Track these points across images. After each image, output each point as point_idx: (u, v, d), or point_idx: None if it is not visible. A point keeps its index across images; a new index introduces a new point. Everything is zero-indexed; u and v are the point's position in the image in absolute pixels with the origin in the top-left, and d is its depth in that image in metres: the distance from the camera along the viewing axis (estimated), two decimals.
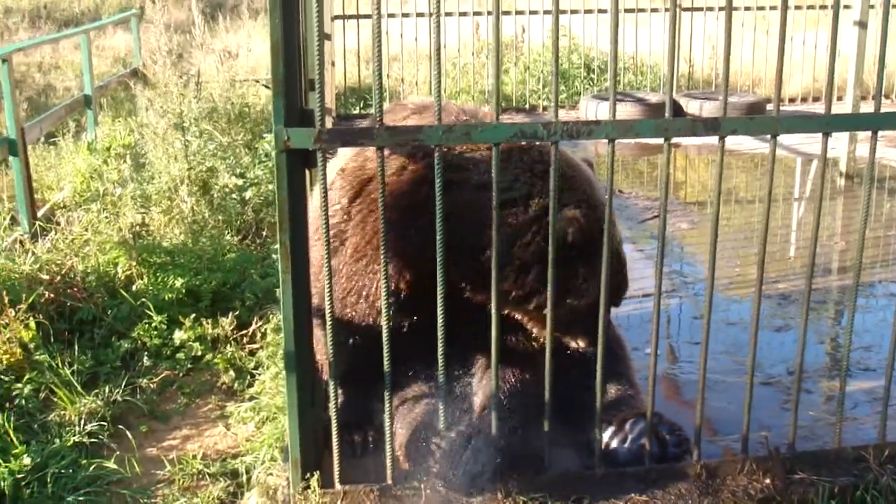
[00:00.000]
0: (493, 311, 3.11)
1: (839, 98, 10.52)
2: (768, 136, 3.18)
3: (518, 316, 3.50)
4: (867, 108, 3.30)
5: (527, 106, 11.89)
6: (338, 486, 3.24)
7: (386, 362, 3.11)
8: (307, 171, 3.09)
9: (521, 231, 3.29)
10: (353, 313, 3.55)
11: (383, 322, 3.09)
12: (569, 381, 3.46)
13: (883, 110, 3.22)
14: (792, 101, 12.00)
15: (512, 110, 11.58)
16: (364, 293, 3.49)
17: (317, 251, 3.21)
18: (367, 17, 11.01)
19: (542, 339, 3.42)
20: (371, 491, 3.23)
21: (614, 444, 3.43)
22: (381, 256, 3.04)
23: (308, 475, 3.22)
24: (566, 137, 2.96)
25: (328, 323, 3.05)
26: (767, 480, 3.32)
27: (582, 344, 3.51)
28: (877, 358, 4.54)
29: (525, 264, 3.29)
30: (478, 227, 3.16)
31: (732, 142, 9.80)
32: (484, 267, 3.16)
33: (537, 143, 3.27)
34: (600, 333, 3.21)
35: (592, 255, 3.23)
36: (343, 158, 3.59)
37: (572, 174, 3.43)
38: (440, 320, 3.05)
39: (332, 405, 3.18)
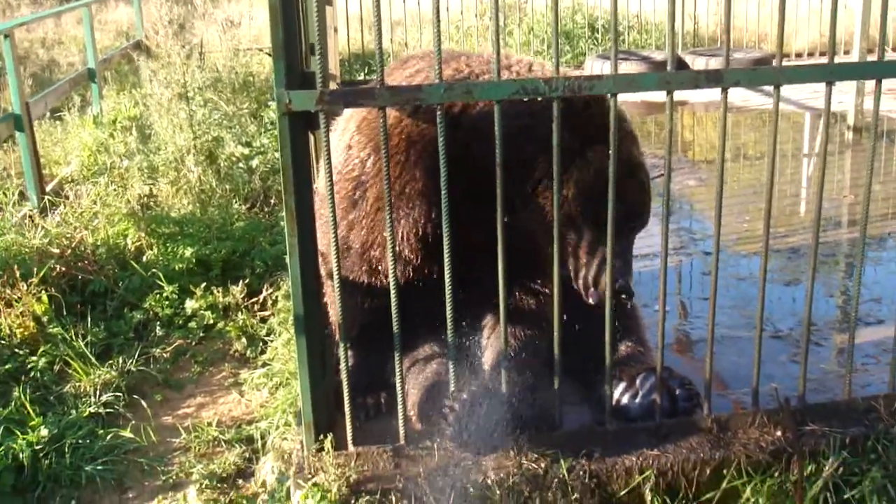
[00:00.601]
0: (500, 271, 3.11)
1: (846, 52, 10.46)
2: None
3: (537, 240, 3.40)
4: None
5: None
6: (351, 448, 3.26)
7: (395, 321, 3.12)
8: (311, 135, 3.09)
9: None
10: (376, 268, 3.53)
11: (390, 275, 3.08)
12: (579, 338, 3.47)
13: (888, 58, 3.20)
14: (799, 55, 11.91)
15: None
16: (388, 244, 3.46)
17: (328, 211, 3.19)
18: None
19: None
20: (384, 451, 3.25)
21: (625, 399, 3.43)
22: (386, 213, 3.03)
23: (321, 437, 3.24)
24: (567, 93, 2.94)
25: (336, 284, 3.06)
26: (778, 433, 3.33)
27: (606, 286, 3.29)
28: (887, 310, 4.54)
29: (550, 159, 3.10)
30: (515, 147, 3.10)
31: (740, 98, 9.77)
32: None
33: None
34: (608, 274, 3.21)
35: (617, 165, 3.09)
36: (359, 112, 3.55)
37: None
38: (448, 278, 3.05)
39: (343, 367, 3.20)
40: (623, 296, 3.31)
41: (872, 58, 3.18)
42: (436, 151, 3.01)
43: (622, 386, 3.46)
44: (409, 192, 3.32)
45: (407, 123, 3.33)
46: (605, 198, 3.10)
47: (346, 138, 3.54)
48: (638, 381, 3.44)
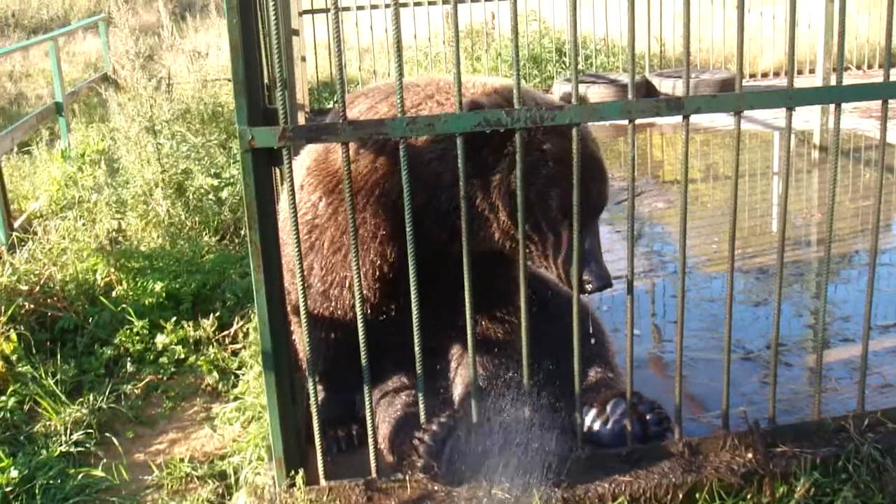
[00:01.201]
0: (467, 293, 3.11)
1: (811, 71, 10.58)
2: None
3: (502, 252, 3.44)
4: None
5: None
6: (323, 483, 3.25)
7: (363, 354, 3.11)
8: (275, 170, 3.09)
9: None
10: (337, 306, 3.54)
11: (358, 314, 3.08)
12: (548, 364, 3.48)
13: (847, 82, 3.24)
14: (765, 75, 12.04)
15: None
16: (347, 284, 3.48)
17: (291, 250, 3.21)
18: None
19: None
20: (356, 485, 3.23)
21: (596, 426, 3.44)
22: (352, 247, 3.04)
23: (293, 473, 3.22)
24: (530, 124, 2.96)
25: (303, 320, 3.06)
26: (749, 455, 3.35)
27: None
28: (855, 328, 4.56)
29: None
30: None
31: (707, 119, 9.83)
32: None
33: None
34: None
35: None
36: (310, 154, 3.57)
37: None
38: (415, 311, 3.05)
39: (312, 402, 3.19)
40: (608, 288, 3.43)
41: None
42: (381, 194, 3.18)
43: (593, 412, 3.46)
44: (362, 233, 3.34)
45: (351, 168, 3.33)
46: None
47: (298, 178, 3.54)
48: (608, 407, 3.45)
